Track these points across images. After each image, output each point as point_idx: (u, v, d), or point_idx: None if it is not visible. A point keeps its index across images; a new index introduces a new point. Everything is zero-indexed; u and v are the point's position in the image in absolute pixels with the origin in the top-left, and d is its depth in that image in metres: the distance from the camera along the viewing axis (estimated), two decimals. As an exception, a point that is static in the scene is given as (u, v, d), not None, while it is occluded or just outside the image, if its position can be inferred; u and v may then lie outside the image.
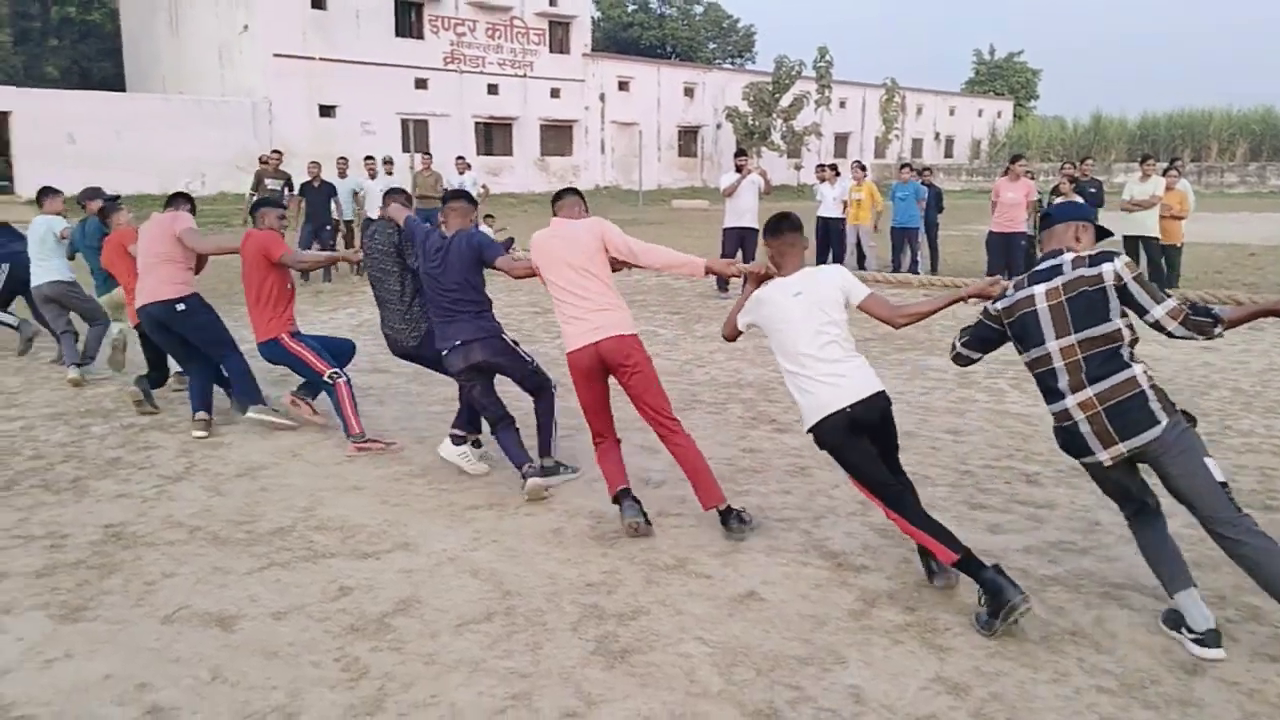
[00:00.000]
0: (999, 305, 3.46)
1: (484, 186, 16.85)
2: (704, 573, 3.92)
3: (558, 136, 41.46)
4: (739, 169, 11.96)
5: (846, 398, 3.63)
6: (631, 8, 58.67)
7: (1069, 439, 3.31)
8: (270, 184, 13.56)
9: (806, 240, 3.98)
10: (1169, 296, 3.23)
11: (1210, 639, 3.17)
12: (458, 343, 4.93)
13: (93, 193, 7.91)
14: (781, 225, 3.96)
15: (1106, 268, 3.23)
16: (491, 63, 38.59)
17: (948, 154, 58.29)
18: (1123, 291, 3.22)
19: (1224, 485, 3.16)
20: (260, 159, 14.59)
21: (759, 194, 11.99)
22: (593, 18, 45.98)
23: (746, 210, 11.83)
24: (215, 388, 6.41)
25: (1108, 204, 12.64)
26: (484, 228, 15.44)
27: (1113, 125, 55.04)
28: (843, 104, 51.42)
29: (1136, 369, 3.19)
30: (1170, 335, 3.25)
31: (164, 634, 3.46)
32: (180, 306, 6.14)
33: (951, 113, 59.69)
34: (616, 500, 4.38)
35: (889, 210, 14.01)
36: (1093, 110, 57.14)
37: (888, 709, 2.92)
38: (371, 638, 3.41)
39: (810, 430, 3.76)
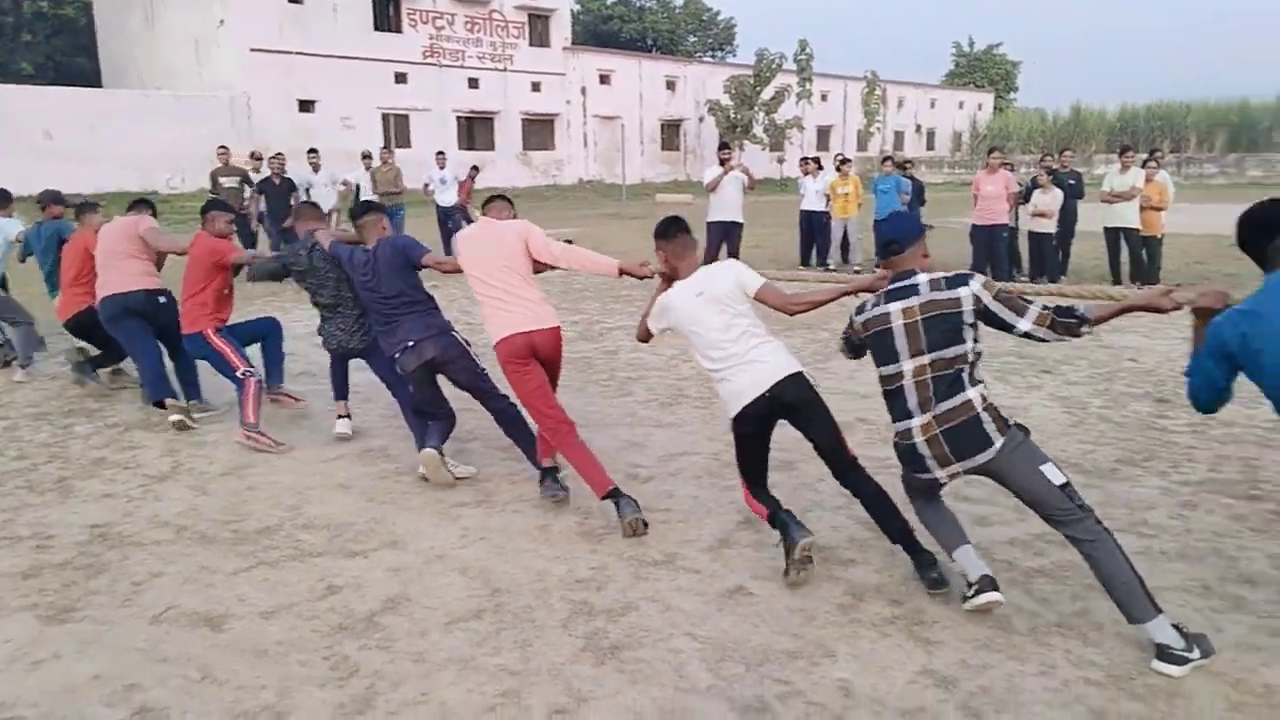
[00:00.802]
0: (858, 319, 3.54)
1: (474, 167, 16.76)
2: (693, 568, 3.93)
3: (540, 130, 41.34)
4: (723, 163, 11.97)
5: (765, 381, 3.74)
6: (611, 0, 58.49)
7: (907, 455, 3.42)
8: (226, 182, 13.43)
9: (697, 240, 4.15)
10: (1030, 304, 3.28)
11: (985, 584, 3.35)
12: (410, 343, 4.91)
13: (53, 196, 7.94)
14: (670, 229, 4.12)
15: (964, 291, 3.29)
16: (471, 56, 38.42)
17: (929, 146, 58.45)
18: (984, 312, 3.27)
19: (1064, 486, 3.22)
20: (253, 155, 14.43)
21: (743, 188, 12.01)
22: (572, 11, 45.84)
23: (730, 204, 11.85)
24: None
25: (1088, 195, 12.71)
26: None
27: (1092, 117, 55.26)
28: (824, 97, 51.45)
29: (973, 393, 3.27)
30: (1043, 341, 3.31)
31: (152, 634, 3.45)
32: (163, 299, 6.41)
33: (932, 105, 59.85)
34: (609, 498, 4.35)
35: (870, 203, 14.04)
36: (1072, 102, 57.24)
37: (877, 702, 2.94)
38: (360, 636, 3.41)
39: (734, 418, 3.84)
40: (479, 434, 5.75)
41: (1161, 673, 3.04)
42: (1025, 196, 12.25)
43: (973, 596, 3.39)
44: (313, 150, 14.73)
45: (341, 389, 5.96)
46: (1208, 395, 3.09)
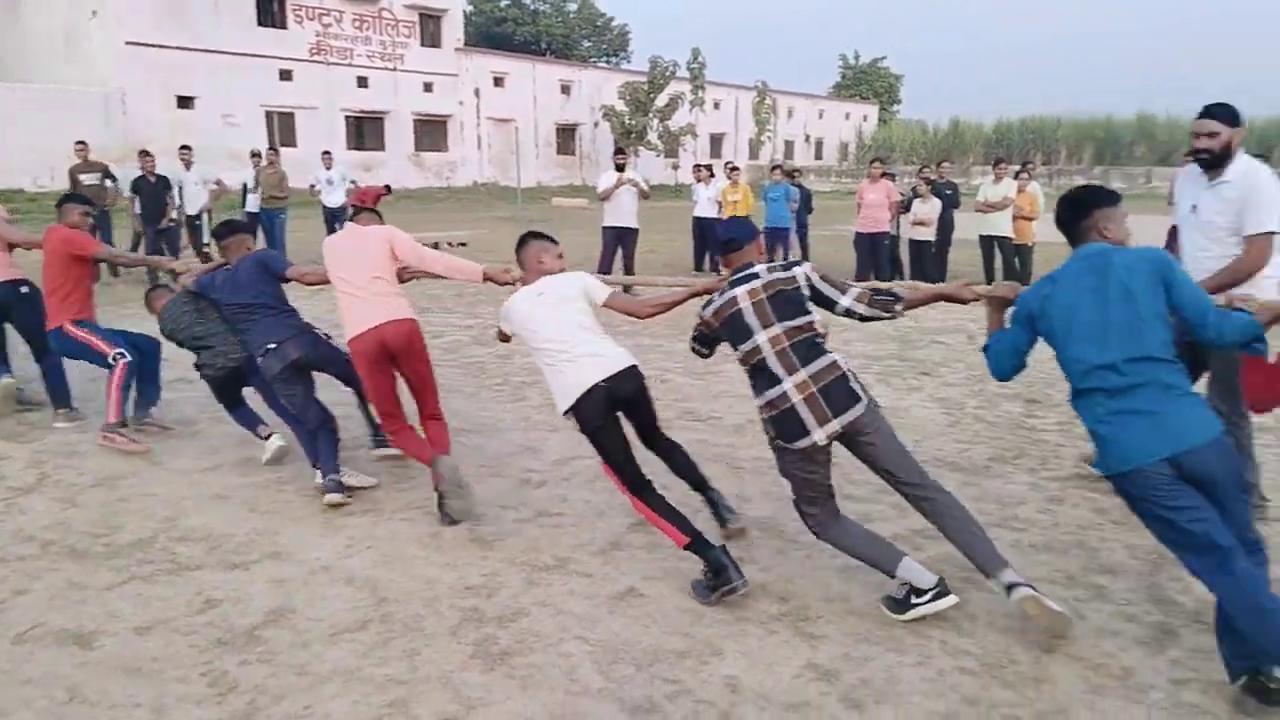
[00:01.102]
0: (706, 312, 3.76)
1: (387, 186, 16.41)
2: (585, 571, 3.95)
3: (432, 132, 40.77)
4: (619, 168, 12.02)
5: (601, 372, 3.86)
6: (505, 3, 58.12)
7: (785, 423, 3.50)
8: (86, 179, 12.87)
9: (553, 248, 4.30)
10: (852, 286, 3.67)
11: (943, 588, 3.43)
12: (271, 345, 4.89)
13: None
14: (521, 240, 4.35)
15: (798, 271, 3.67)
16: (360, 55, 37.66)
17: (818, 156, 59.91)
18: (813, 290, 3.62)
19: (909, 451, 3.60)
20: (143, 154, 13.76)
21: (637, 196, 12.08)
22: (465, 12, 45.37)
23: (625, 211, 11.90)
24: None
25: (964, 205, 13.23)
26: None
27: (970, 130, 57.67)
28: (717, 105, 52.24)
29: (835, 355, 3.56)
30: (862, 319, 3.67)
31: (15, 654, 3.28)
32: (25, 289, 6.15)
33: (820, 115, 61.37)
34: (431, 465, 4.49)
35: (760, 211, 14.31)
36: (951, 115, 59.75)
37: (763, 697, 3.00)
38: (240, 650, 3.31)
39: (570, 409, 3.90)
40: (365, 441, 5.63)
41: (1020, 598, 3.23)
42: (906, 206, 12.70)
43: (930, 601, 3.41)
44: (185, 147, 14.12)
45: (248, 418, 5.55)
46: (1009, 360, 3.45)
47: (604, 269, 11.35)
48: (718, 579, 3.60)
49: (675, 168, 45.54)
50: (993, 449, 5.60)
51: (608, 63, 59.75)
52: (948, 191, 12.85)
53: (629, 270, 11.68)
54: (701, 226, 14.43)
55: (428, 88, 40.15)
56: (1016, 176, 12.33)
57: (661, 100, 43.93)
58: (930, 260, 12.49)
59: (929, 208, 12.34)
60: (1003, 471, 5.20)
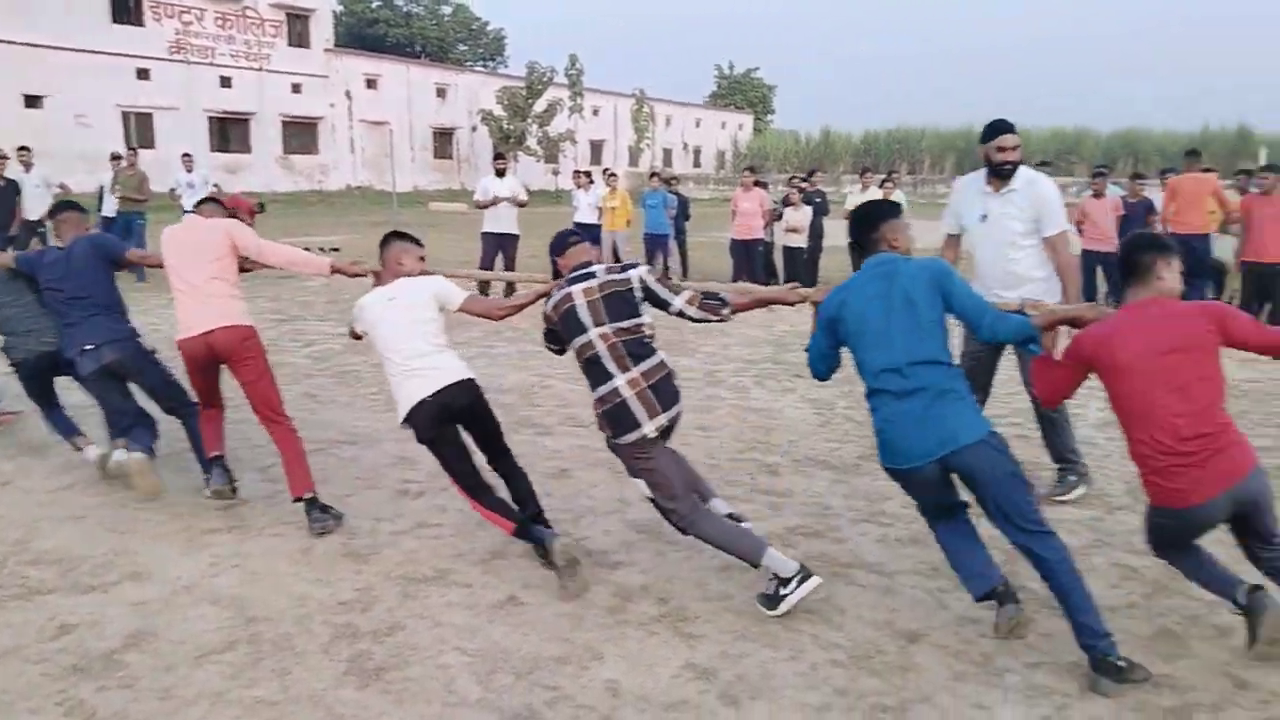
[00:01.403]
0: (547, 306, 3.93)
1: (261, 204, 15.75)
2: (464, 582, 3.91)
3: (302, 134, 39.58)
4: (500, 173, 11.94)
5: (432, 386, 3.95)
6: (376, 3, 56.91)
7: (616, 417, 3.65)
8: None
9: (414, 249, 4.38)
10: (685, 289, 3.89)
11: (805, 572, 3.56)
12: (89, 346, 4.74)
13: None
14: (387, 239, 4.43)
15: (633, 273, 3.83)
16: (223, 54, 36.30)
17: (696, 164, 60.72)
18: (648, 292, 3.80)
19: None
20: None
21: (516, 205, 12.00)
22: (334, 12, 44.22)
23: (504, 218, 11.83)
24: None
25: (833, 213, 13.63)
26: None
27: (840, 140, 59.49)
28: (596, 112, 52.37)
29: (663, 355, 3.77)
30: (693, 320, 3.85)
31: None
32: None
33: (698, 124, 62.28)
34: (213, 463, 4.69)
35: (640, 218, 14.41)
36: (822, 125, 61.63)
37: (643, 699, 3.04)
38: (98, 677, 3.15)
39: (405, 421, 4.00)
40: (237, 455, 5.42)
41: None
42: (779, 214, 13.03)
43: (796, 589, 3.49)
44: (23, 148, 13.24)
45: (65, 424, 5.31)
46: (821, 363, 3.72)
47: (483, 274, 11.21)
48: (544, 556, 3.78)
49: (556, 173, 45.43)
50: (862, 447, 5.79)
51: (484, 67, 59.18)
52: (817, 200, 13.25)
53: (511, 278, 11.59)
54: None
55: (296, 89, 38.97)
56: (882, 185, 12.82)
57: (540, 106, 43.79)
58: (802, 266, 12.83)
59: (801, 215, 12.68)
60: (871, 469, 5.37)
